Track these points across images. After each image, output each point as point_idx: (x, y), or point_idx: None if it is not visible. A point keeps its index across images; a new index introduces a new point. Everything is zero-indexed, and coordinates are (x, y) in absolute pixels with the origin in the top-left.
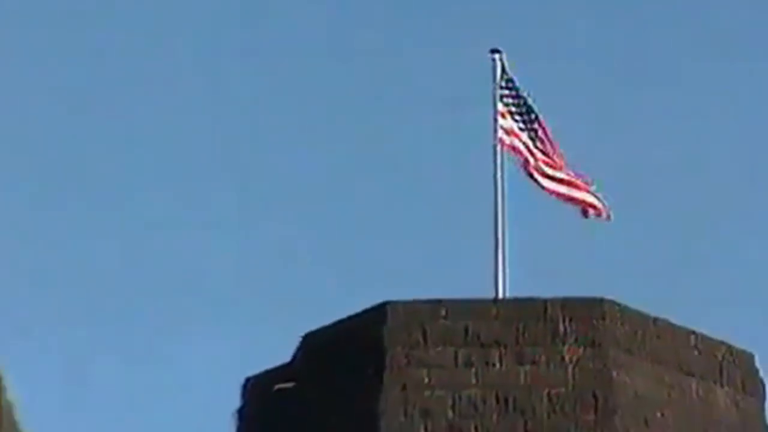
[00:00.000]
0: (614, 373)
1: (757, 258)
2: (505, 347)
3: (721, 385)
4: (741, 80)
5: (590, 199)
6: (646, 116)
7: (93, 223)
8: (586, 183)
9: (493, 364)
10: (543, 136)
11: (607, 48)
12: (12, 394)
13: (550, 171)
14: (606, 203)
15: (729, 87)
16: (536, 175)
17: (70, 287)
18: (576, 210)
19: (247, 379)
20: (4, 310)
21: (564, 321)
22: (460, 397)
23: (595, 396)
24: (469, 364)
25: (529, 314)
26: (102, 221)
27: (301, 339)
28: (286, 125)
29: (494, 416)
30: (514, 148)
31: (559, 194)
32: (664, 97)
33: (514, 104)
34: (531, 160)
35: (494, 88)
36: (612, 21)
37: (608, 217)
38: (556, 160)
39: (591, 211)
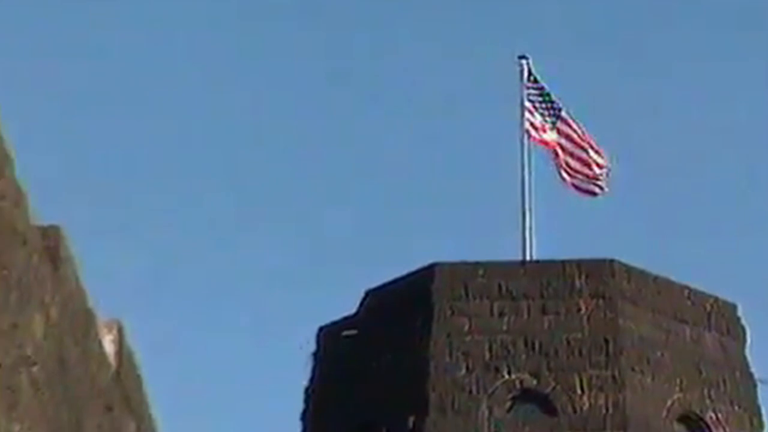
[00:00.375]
0: (621, 321)
1: (738, 226)
2: (532, 300)
3: (709, 330)
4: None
5: (597, 189)
6: (656, 107)
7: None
8: (602, 159)
9: (522, 315)
10: (567, 127)
11: (622, 46)
12: (131, 341)
13: (572, 162)
14: (608, 182)
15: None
16: (562, 167)
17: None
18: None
19: (321, 328)
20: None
21: (580, 278)
22: (494, 342)
23: (605, 340)
24: (501, 314)
25: (550, 273)
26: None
27: (363, 295)
28: (365, 120)
29: (522, 357)
30: (542, 141)
31: (575, 188)
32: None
33: (539, 101)
34: (559, 151)
35: (521, 88)
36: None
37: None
38: (583, 140)
39: (598, 190)
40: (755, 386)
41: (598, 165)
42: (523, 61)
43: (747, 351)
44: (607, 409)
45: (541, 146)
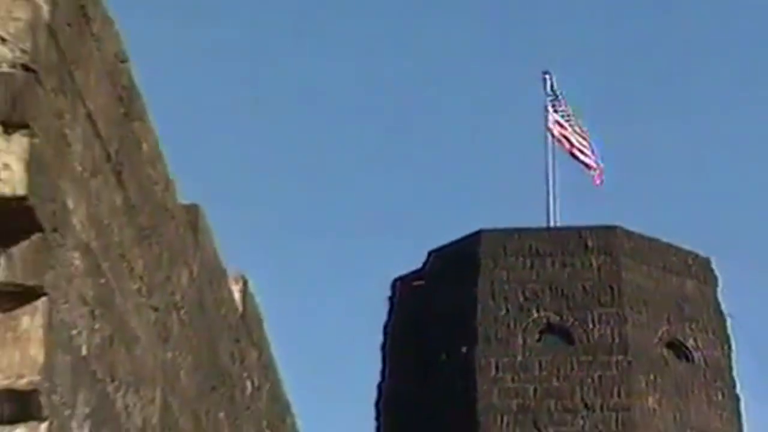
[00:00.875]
0: (623, 273)
1: (713, 199)
2: (554, 257)
3: (690, 278)
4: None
5: (597, 173)
6: (656, 110)
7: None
8: (596, 156)
9: (547, 268)
10: (580, 131)
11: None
12: (253, 290)
13: (580, 154)
14: (602, 172)
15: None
16: (576, 153)
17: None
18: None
19: (395, 279)
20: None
21: (591, 240)
22: (526, 289)
23: (611, 286)
24: (531, 268)
25: (569, 236)
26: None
27: (427, 255)
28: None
29: (547, 300)
30: (563, 138)
31: (585, 165)
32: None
33: (559, 108)
34: (574, 142)
35: (545, 95)
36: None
37: (601, 182)
38: (586, 142)
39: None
40: (725, 320)
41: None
42: (546, 76)
43: (719, 293)
44: (612, 339)
45: (559, 144)
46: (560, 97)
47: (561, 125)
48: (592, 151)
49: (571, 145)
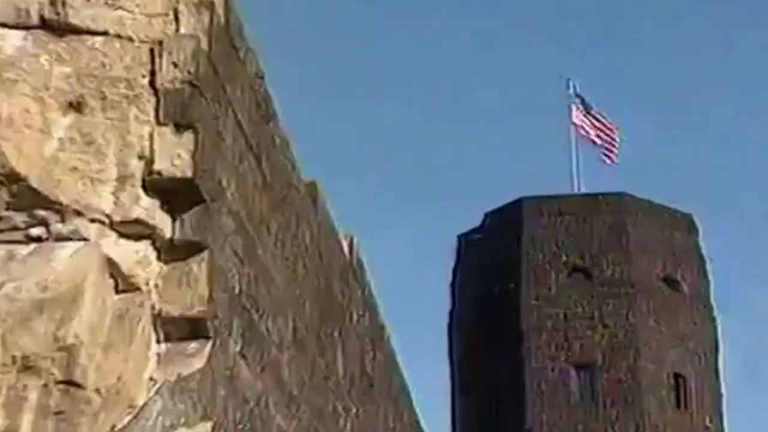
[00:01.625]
0: (629, 227)
1: (702, 165)
2: (577, 216)
3: (679, 231)
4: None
5: (613, 155)
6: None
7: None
8: (615, 136)
9: (572, 225)
10: (602, 125)
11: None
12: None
13: (598, 140)
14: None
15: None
16: (594, 139)
17: None
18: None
19: (459, 235)
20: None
21: (605, 204)
22: (558, 239)
23: (620, 238)
24: (561, 224)
25: (588, 201)
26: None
27: (484, 216)
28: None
29: (573, 248)
30: (583, 130)
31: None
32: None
33: (580, 107)
34: (591, 132)
35: (568, 96)
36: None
37: (613, 162)
38: (603, 132)
39: (611, 155)
40: (704, 261)
41: (612, 142)
42: (570, 81)
43: (700, 241)
44: (621, 276)
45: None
46: (580, 98)
47: (582, 119)
48: (609, 138)
49: (588, 133)
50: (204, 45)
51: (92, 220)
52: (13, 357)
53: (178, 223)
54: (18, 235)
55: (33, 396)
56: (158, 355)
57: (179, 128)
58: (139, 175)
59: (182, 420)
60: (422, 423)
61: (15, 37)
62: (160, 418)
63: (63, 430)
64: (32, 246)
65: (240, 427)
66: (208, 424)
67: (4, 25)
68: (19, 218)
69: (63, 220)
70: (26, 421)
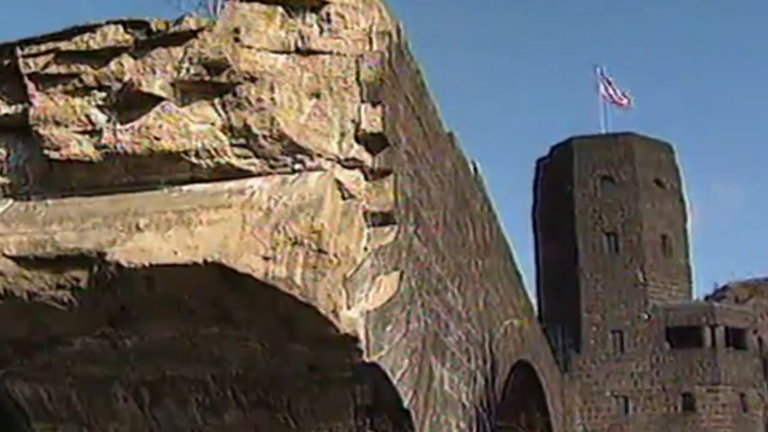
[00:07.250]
0: (636, 151)
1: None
2: (605, 147)
3: (664, 153)
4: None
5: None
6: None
7: None
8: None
9: (603, 150)
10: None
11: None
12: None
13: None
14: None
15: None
16: (616, 100)
17: None
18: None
19: (538, 159)
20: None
21: (619, 141)
22: (593, 163)
23: (630, 156)
24: (592, 159)
25: (611, 137)
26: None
27: (550, 147)
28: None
29: (603, 165)
30: (607, 93)
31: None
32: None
33: (607, 79)
34: (614, 95)
35: (596, 77)
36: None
37: (626, 108)
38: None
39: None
40: (678, 170)
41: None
42: (598, 68)
43: (678, 163)
44: (631, 179)
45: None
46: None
47: (606, 88)
48: (626, 98)
49: (611, 96)
50: (386, 55)
51: (328, 159)
52: (288, 237)
53: (375, 159)
54: (287, 170)
55: (300, 258)
56: (368, 234)
57: (374, 104)
58: (352, 132)
59: (382, 271)
60: (520, 269)
61: (281, 58)
62: (370, 269)
63: (317, 277)
64: (295, 175)
65: (415, 274)
66: (396, 273)
67: (275, 51)
68: (288, 159)
69: (312, 159)
70: (298, 272)
